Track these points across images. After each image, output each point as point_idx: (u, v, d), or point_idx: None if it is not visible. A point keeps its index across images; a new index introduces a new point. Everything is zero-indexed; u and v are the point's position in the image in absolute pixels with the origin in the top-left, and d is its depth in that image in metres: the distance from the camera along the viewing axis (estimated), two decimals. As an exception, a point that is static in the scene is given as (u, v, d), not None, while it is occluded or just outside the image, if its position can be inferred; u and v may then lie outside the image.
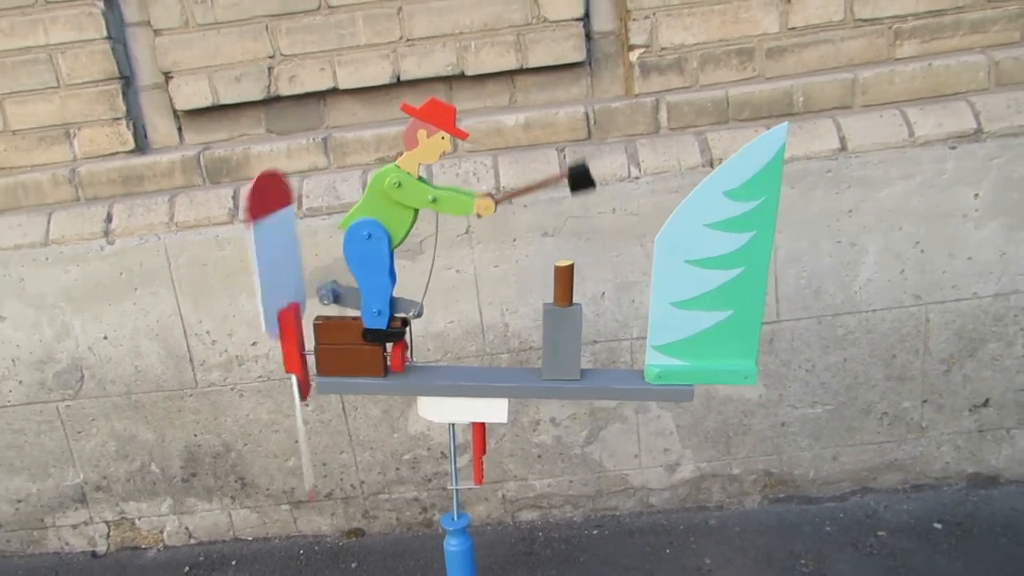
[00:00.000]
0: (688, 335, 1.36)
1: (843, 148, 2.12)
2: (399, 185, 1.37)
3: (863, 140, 2.11)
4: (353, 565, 2.28)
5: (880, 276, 2.17)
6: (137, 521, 2.42)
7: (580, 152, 2.19)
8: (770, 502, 2.36)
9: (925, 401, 2.27)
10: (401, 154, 1.38)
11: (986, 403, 2.27)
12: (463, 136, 1.38)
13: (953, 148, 2.10)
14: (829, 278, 2.18)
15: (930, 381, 2.25)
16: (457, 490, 1.68)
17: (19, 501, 2.40)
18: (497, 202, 1.40)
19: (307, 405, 2.29)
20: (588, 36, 2.27)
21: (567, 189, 1.41)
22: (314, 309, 1.50)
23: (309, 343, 1.47)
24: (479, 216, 1.40)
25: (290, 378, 1.49)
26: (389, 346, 1.48)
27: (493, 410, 1.52)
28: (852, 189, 2.12)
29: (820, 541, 2.17)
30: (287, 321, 1.43)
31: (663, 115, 2.22)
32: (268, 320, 1.39)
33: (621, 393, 1.51)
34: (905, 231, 2.14)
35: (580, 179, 1.38)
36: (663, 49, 2.21)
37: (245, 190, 2.20)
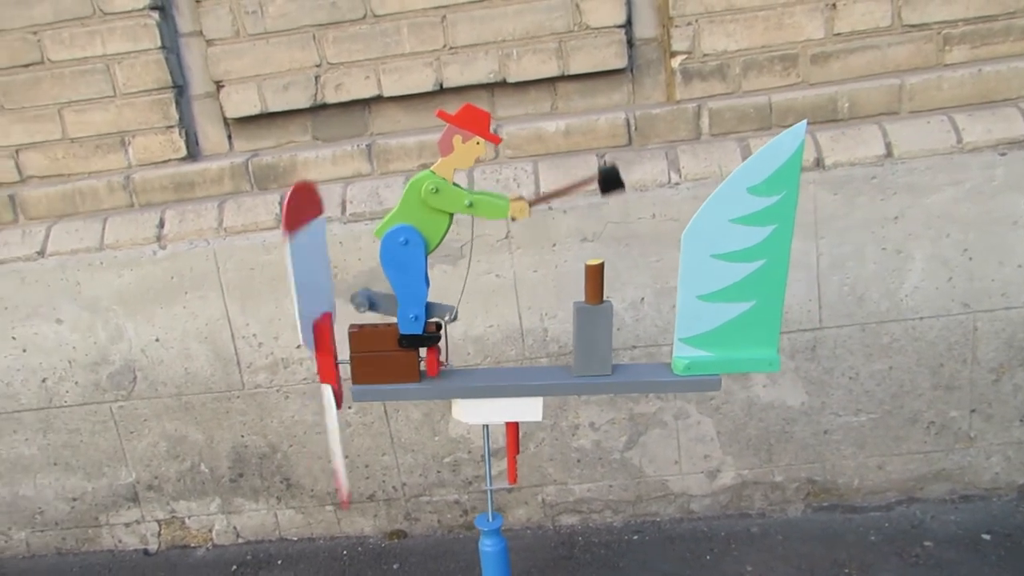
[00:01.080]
0: (714, 327, 1.41)
1: (889, 154, 2.10)
2: (436, 191, 1.38)
3: (910, 146, 2.09)
4: (395, 566, 2.31)
5: (927, 283, 2.15)
6: (187, 520, 2.48)
7: (618, 157, 2.20)
8: (813, 510, 2.34)
9: (974, 411, 2.24)
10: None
11: (1036, 413, 2.23)
12: (497, 141, 1.40)
13: (1003, 155, 2.06)
14: (873, 285, 2.16)
15: (979, 390, 2.22)
16: (492, 491, 1.70)
17: (74, 499, 2.48)
18: (531, 204, 1.42)
19: (351, 408, 2.33)
20: (630, 43, 2.27)
21: (599, 191, 1.43)
22: (345, 316, 1.51)
23: (342, 351, 1.48)
24: (513, 219, 1.41)
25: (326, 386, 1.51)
26: (423, 351, 1.51)
27: (527, 409, 1.53)
28: (898, 195, 2.10)
29: (864, 550, 2.15)
30: (322, 332, 1.46)
31: (704, 121, 2.22)
32: (305, 332, 1.42)
33: (651, 386, 1.53)
34: (953, 238, 2.11)
35: (610, 180, 1.41)
36: (705, 55, 2.21)
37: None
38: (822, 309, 2.18)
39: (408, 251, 1.42)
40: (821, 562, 2.12)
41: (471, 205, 1.40)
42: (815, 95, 2.17)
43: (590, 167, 2.20)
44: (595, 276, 1.43)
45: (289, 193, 1.35)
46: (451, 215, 1.44)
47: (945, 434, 2.26)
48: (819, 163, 2.12)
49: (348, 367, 1.49)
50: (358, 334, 1.48)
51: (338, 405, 1.49)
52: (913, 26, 2.16)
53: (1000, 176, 2.07)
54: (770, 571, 2.11)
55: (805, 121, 1.29)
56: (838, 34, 2.17)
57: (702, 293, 1.39)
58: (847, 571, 2.08)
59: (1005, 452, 2.27)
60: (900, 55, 2.18)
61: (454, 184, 1.40)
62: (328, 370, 1.48)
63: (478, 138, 1.38)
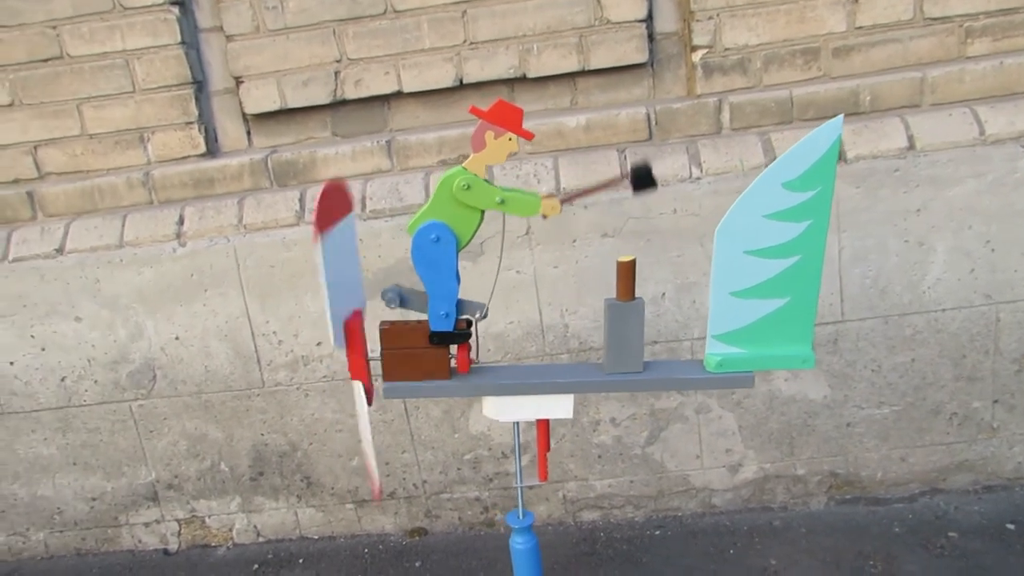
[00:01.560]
0: (747, 323, 1.40)
1: (911, 147, 2.10)
2: (468, 187, 1.38)
3: (932, 139, 2.10)
4: (417, 564, 2.30)
5: (949, 275, 2.15)
6: (207, 519, 2.46)
7: (641, 152, 2.20)
8: (836, 503, 2.34)
9: (996, 401, 2.25)
10: (465, 156, 1.39)
11: (1057, 404, 2.24)
12: (530, 137, 1.40)
13: (1025, 146, 2.08)
14: (896, 277, 2.16)
15: (1001, 381, 2.23)
16: (522, 488, 1.69)
17: (94, 499, 2.46)
18: (562, 203, 1.42)
19: (373, 408, 2.31)
20: (650, 37, 2.27)
21: (629, 190, 1.42)
22: (375, 312, 1.51)
23: (372, 346, 1.47)
24: (544, 217, 1.41)
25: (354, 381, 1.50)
26: (453, 348, 1.50)
27: (558, 406, 1.53)
28: (920, 188, 2.10)
29: (889, 542, 2.15)
30: (353, 330, 1.44)
31: (725, 115, 2.22)
32: (336, 332, 1.40)
33: (684, 383, 1.53)
34: (975, 230, 2.12)
35: (642, 179, 1.40)
36: (727, 50, 2.21)
37: (313, 196, 2.25)
38: (844, 302, 2.19)
39: (439, 248, 1.42)
40: (846, 554, 2.13)
41: (503, 202, 1.39)
42: (837, 88, 2.17)
43: (610, 162, 2.20)
44: (627, 272, 1.42)
45: (320, 193, 1.33)
46: (483, 211, 1.44)
47: (968, 425, 2.27)
48: (841, 156, 2.12)
49: (378, 364, 1.48)
50: (389, 331, 1.48)
51: (369, 402, 1.49)
52: (935, 19, 2.17)
53: (1023, 168, 2.08)
54: (794, 564, 2.11)
55: (841, 116, 1.27)
56: (860, 27, 2.18)
57: (735, 289, 1.38)
58: (872, 563, 2.08)
59: (1027, 443, 2.28)
60: (922, 48, 2.19)
61: (486, 180, 1.39)
62: (359, 368, 1.47)
63: (510, 134, 1.37)
